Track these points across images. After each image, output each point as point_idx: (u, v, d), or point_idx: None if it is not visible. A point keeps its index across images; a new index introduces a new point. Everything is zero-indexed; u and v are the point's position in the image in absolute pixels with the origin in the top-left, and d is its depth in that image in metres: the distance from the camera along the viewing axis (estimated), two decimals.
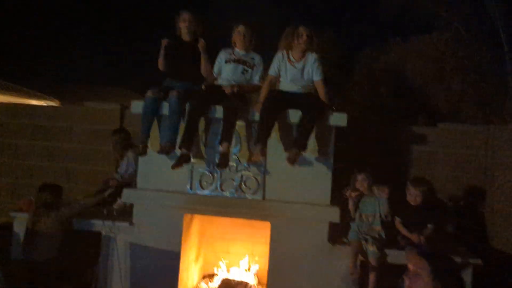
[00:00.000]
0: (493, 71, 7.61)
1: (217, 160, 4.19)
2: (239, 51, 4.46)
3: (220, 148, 4.02)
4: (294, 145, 3.92)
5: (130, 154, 5.00)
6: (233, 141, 4.17)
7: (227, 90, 4.19)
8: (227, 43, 4.58)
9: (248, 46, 4.46)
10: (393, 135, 5.23)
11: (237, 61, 4.42)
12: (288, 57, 4.24)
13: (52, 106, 5.93)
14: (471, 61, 7.65)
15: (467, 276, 3.91)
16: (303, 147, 3.91)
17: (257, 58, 4.46)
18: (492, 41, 7.72)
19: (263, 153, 3.98)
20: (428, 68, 7.93)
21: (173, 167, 4.01)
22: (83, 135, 5.75)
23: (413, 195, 4.10)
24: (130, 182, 4.71)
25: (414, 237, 4.01)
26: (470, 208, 4.98)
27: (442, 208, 4.85)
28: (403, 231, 4.10)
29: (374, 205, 4.12)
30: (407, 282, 2.34)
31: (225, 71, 4.45)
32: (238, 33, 4.42)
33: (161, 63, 4.53)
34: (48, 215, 4.05)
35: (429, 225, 4.09)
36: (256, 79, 4.44)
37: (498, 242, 4.85)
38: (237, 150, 4.25)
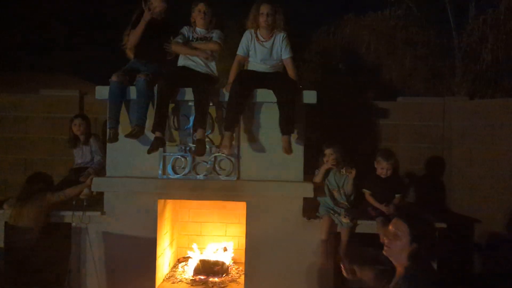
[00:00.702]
0: (441, 45, 7.95)
1: (190, 144, 4.21)
2: (200, 29, 4.39)
3: (195, 135, 4.00)
4: (284, 131, 3.95)
5: (93, 142, 4.83)
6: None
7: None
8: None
9: (208, 24, 4.38)
10: (357, 110, 5.38)
11: (200, 39, 4.35)
12: (257, 36, 4.22)
13: (5, 96, 5.54)
14: (421, 37, 7.95)
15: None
16: (292, 130, 3.97)
17: (216, 32, 4.38)
18: (440, 16, 8.05)
19: (231, 143, 4.02)
20: (381, 44, 8.16)
21: (149, 151, 3.94)
22: (40, 124, 5.46)
23: (385, 168, 4.28)
24: (99, 170, 4.58)
25: (383, 207, 4.20)
26: (430, 176, 5.24)
27: (406, 177, 5.09)
28: (373, 202, 4.27)
29: (340, 182, 4.26)
30: (386, 241, 2.50)
31: None
32: (198, 12, 4.32)
33: (134, 38, 4.35)
34: (32, 206, 3.94)
35: (397, 195, 4.30)
36: (215, 38, 4.32)
37: (455, 206, 5.16)
38: (209, 132, 4.23)
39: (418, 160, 5.26)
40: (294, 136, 4.12)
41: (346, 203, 4.21)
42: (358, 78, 8.13)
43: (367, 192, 4.32)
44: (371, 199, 4.30)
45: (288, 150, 3.96)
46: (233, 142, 4.07)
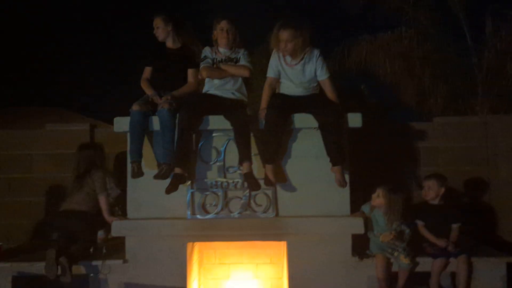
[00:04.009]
0: (460, 63, 7.69)
1: (221, 179, 3.81)
2: (223, 49, 3.99)
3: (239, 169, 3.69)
4: (334, 162, 3.55)
5: (109, 178, 4.37)
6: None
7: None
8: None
9: (232, 43, 3.99)
10: (389, 133, 4.97)
11: (224, 60, 3.95)
12: (284, 59, 3.81)
13: (7, 133, 5.08)
14: (439, 55, 7.68)
15: (502, 273, 3.68)
16: (344, 159, 3.55)
17: (241, 51, 4.00)
18: (456, 33, 7.83)
19: (274, 173, 3.64)
20: (397, 63, 7.87)
21: (168, 191, 3.51)
22: (45, 162, 4.98)
23: (426, 187, 3.90)
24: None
25: (441, 242, 3.72)
26: (476, 201, 4.81)
27: (459, 205, 4.63)
28: (428, 236, 3.80)
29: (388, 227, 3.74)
30: None
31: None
32: (221, 30, 3.93)
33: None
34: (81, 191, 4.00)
35: (453, 225, 3.84)
36: (242, 62, 3.95)
37: (506, 233, 4.72)
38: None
39: (462, 185, 4.82)
40: None
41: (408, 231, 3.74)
42: (379, 100, 7.83)
43: (420, 224, 3.86)
44: (425, 232, 3.83)
45: (343, 182, 3.56)
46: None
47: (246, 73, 3.89)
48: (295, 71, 3.82)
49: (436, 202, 3.93)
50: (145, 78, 4.08)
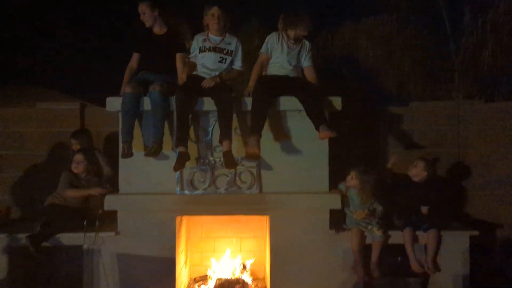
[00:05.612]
0: (439, 50, 7.97)
1: (209, 157, 4.04)
2: (213, 36, 4.17)
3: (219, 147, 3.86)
4: (318, 123, 3.75)
5: (100, 158, 4.54)
6: None
7: (208, 84, 3.90)
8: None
9: (222, 29, 4.17)
10: (367, 116, 5.24)
11: (213, 49, 4.13)
12: (288, 39, 4.11)
13: None
14: (418, 41, 7.94)
15: (465, 245, 4.03)
16: (326, 119, 3.81)
17: (234, 42, 4.17)
18: (435, 21, 8.07)
19: (259, 145, 3.82)
20: (378, 49, 8.11)
21: (176, 168, 3.72)
22: (36, 140, 5.10)
23: (414, 163, 4.22)
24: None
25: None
26: (448, 182, 5.12)
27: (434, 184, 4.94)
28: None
29: (364, 206, 4.05)
30: None
31: (200, 61, 4.15)
32: (212, 16, 4.08)
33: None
34: None
35: (423, 207, 4.14)
36: (237, 65, 4.18)
37: (474, 211, 5.06)
38: None
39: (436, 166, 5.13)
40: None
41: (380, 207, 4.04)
42: (360, 84, 8.09)
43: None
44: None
45: (331, 132, 3.69)
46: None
47: (238, 76, 4.21)
48: (291, 52, 4.12)
49: (416, 179, 4.22)
50: (130, 67, 4.25)
